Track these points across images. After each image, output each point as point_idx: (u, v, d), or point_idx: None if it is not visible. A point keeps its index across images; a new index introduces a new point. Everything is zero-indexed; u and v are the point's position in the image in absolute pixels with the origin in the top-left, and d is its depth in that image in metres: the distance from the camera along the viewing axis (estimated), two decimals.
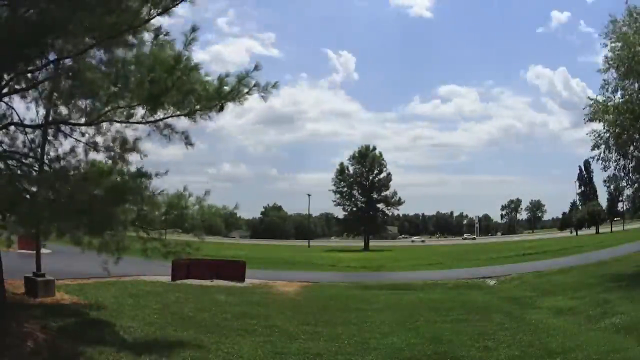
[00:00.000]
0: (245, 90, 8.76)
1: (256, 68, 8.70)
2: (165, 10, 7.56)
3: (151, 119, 9.05)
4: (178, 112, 8.84)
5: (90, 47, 7.79)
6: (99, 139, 9.45)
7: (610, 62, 19.91)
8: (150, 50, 8.31)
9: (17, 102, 9.08)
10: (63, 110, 9.29)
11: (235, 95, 8.71)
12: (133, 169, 9.21)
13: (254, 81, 8.72)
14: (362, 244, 68.60)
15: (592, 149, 21.62)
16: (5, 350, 7.47)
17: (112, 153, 9.28)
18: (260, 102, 9.24)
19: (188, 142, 9.41)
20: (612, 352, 8.49)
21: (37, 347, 7.95)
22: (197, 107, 8.71)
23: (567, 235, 71.13)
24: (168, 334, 10.13)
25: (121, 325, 10.52)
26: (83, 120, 9.18)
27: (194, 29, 8.21)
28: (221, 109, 8.93)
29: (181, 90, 8.26)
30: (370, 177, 72.01)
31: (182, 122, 9.20)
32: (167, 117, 8.99)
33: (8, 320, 8.78)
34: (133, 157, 9.67)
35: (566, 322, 11.46)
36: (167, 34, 8.43)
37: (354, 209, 73.29)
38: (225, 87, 8.71)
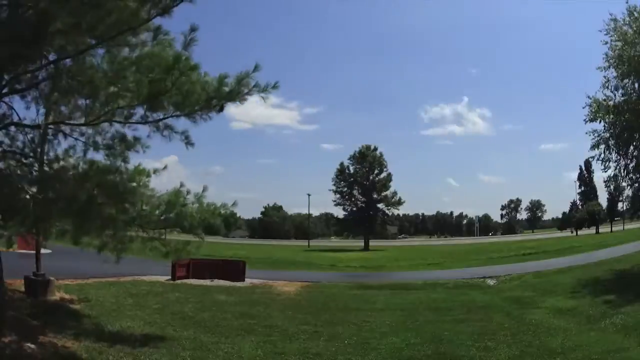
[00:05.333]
0: (245, 90, 8.76)
1: (256, 69, 8.70)
2: (165, 11, 7.55)
3: (151, 119, 9.05)
4: (177, 113, 8.83)
5: (90, 47, 7.79)
6: (99, 139, 9.43)
7: (611, 61, 19.91)
8: (150, 50, 8.30)
9: (17, 102, 9.08)
10: (63, 110, 9.30)
11: (235, 95, 8.72)
12: (131, 168, 9.20)
13: (254, 82, 8.72)
14: (362, 243, 68.57)
15: (592, 149, 21.65)
16: (5, 350, 7.47)
17: (112, 151, 9.26)
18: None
19: (188, 142, 9.39)
20: (612, 352, 8.50)
21: (37, 346, 7.95)
22: (197, 107, 8.71)
23: (567, 235, 71.08)
24: (168, 334, 10.13)
25: (121, 325, 10.53)
26: (82, 120, 9.18)
27: (192, 29, 8.21)
28: (221, 109, 8.94)
29: (180, 90, 8.26)
30: (371, 177, 71.96)
31: (182, 122, 9.20)
32: (167, 117, 8.99)
33: (8, 320, 8.78)
34: (132, 157, 9.65)
35: (566, 322, 11.46)
36: (166, 33, 8.42)
37: (354, 209, 73.22)
38: (224, 88, 8.71)
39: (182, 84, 8.18)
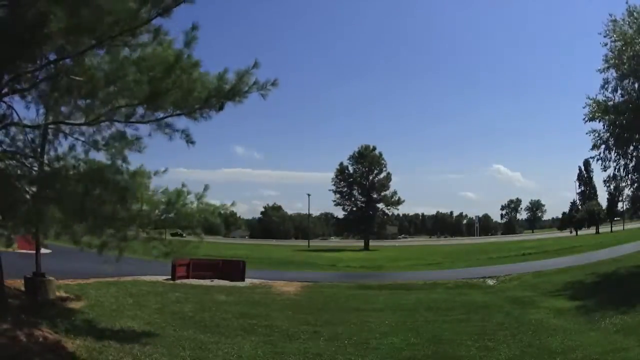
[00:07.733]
0: (245, 88, 8.76)
1: (255, 66, 8.70)
2: (166, 11, 7.56)
3: (151, 118, 9.05)
4: (178, 111, 8.83)
5: (90, 47, 7.78)
6: (99, 138, 9.42)
7: (610, 62, 19.94)
8: (150, 49, 8.29)
9: (17, 102, 9.08)
10: (63, 110, 9.29)
11: (235, 93, 8.72)
12: (132, 168, 9.19)
13: (254, 79, 8.71)
14: (361, 243, 68.59)
15: (592, 149, 21.76)
16: (6, 350, 7.47)
17: (112, 151, 9.24)
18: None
19: (189, 141, 9.36)
20: (612, 352, 8.50)
21: (37, 346, 7.95)
22: (197, 105, 8.70)
23: (567, 235, 71.05)
24: (168, 334, 10.12)
25: (121, 325, 10.52)
26: (83, 120, 9.17)
27: (194, 28, 8.20)
28: (221, 107, 8.94)
29: (181, 89, 8.25)
30: (370, 177, 71.98)
31: (182, 121, 9.19)
32: (167, 117, 8.98)
33: (8, 320, 8.77)
34: (133, 156, 9.63)
35: (566, 322, 11.46)
36: (166, 34, 8.41)
37: (354, 208, 73.25)
38: (225, 85, 8.71)
39: (182, 82, 8.18)
